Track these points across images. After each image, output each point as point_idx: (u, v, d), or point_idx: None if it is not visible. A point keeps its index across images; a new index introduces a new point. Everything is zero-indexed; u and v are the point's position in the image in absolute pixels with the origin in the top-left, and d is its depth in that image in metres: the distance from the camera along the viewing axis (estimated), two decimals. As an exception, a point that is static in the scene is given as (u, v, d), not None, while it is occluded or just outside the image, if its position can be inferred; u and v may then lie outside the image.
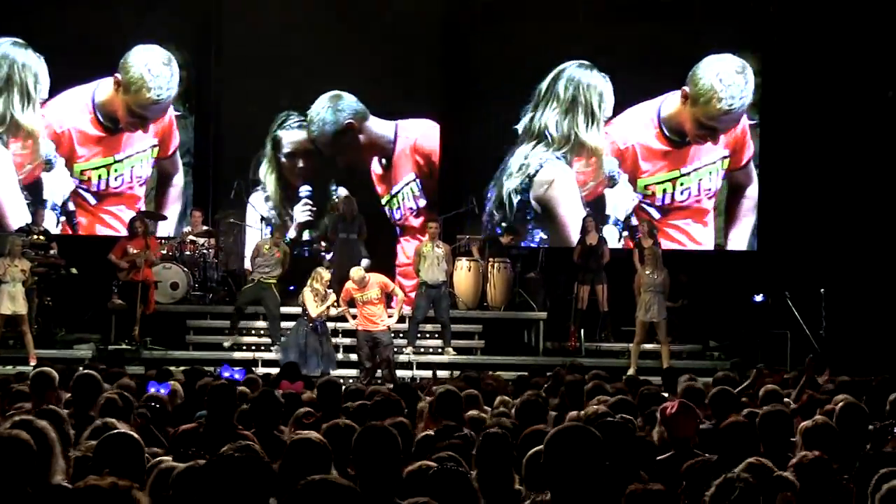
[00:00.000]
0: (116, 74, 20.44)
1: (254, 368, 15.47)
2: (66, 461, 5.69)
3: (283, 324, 18.25)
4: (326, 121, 21.19)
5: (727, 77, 20.76)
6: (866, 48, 20.18)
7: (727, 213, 21.07)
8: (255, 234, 20.01)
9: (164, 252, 18.95)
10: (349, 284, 17.39)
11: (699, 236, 21.03)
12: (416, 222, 21.24)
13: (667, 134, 20.92)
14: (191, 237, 19.35)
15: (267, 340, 18.27)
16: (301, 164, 21.36)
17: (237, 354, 17.85)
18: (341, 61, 20.72)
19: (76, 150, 20.54)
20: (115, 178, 20.61)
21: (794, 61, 20.64)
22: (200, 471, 4.10)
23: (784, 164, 20.72)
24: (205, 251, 19.33)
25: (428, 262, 18.13)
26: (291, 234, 20.89)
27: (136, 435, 5.71)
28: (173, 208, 20.77)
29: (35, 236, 18.26)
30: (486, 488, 5.98)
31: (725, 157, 20.97)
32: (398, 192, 21.41)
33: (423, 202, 21.35)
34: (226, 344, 18.09)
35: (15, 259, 16.92)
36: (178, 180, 20.91)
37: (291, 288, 19.25)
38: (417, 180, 21.35)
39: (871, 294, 19.55)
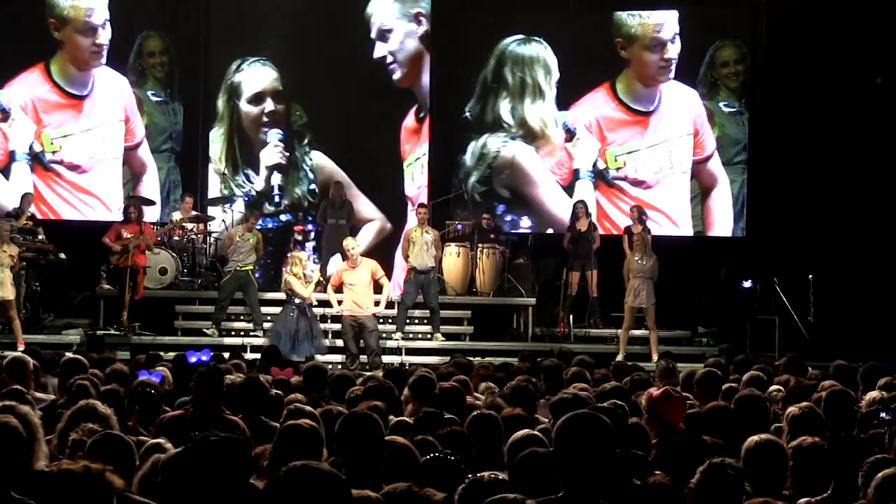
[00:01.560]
0: (51, 20, 20.49)
1: (243, 353, 15.44)
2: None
3: (269, 309, 18.26)
4: (390, 6, 20.95)
5: (641, 9, 20.99)
6: (854, 34, 20.19)
7: (702, 219, 21.10)
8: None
9: (159, 238, 18.86)
10: (340, 266, 17.37)
11: (677, 218, 20.84)
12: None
13: (628, 105, 20.96)
14: (181, 223, 19.30)
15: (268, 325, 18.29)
16: (268, 108, 20.88)
17: (227, 340, 17.85)
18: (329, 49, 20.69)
19: (42, 119, 20.47)
20: (88, 148, 20.53)
21: (782, 46, 20.64)
22: (178, 455, 4.12)
23: (773, 151, 20.73)
24: (194, 236, 19.29)
25: (417, 248, 18.12)
26: (260, 184, 20.71)
27: (126, 437, 5.71)
28: (153, 196, 20.56)
29: (23, 221, 18.23)
30: (479, 469, 6.00)
31: (690, 135, 20.93)
32: (424, 153, 20.95)
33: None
34: (207, 331, 18.07)
35: (3, 244, 16.87)
36: (151, 178, 20.66)
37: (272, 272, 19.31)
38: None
39: (859, 280, 19.60)
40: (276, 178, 20.71)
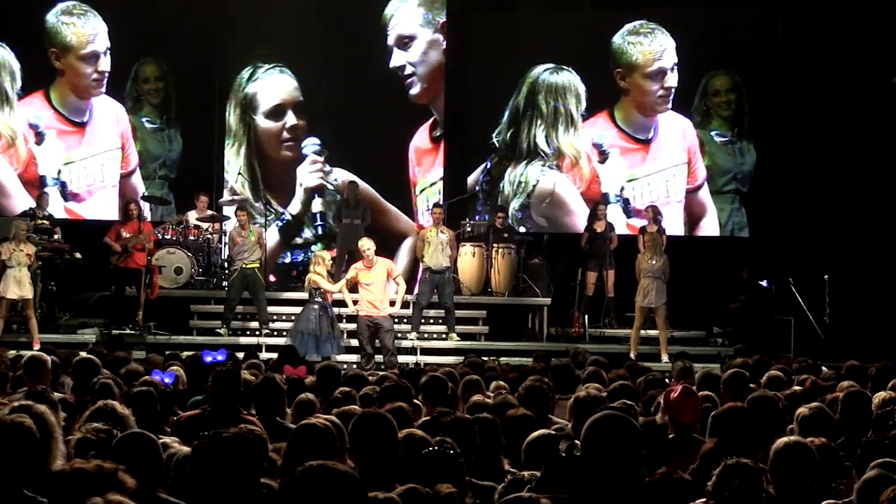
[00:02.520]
0: (52, 49, 20.45)
1: (258, 353, 15.44)
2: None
3: (290, 309, 18.28)
4: (412, 11, 20.47)
5: (636, 36, 20.94)
6: (870, 34, 20.14)
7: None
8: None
9: (159, 236, 18.75)
10: (355, 266, 17.35)
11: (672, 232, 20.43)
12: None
13: (627, 131, 20.95)
14: (195, 222, 19.30)
15: (277, 326, 18.32)
16: (289, 123, 20.49)
17: (242, 339, 17.85)
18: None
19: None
20: (87, 176, 20.50)
21: (797, 44, 20.61)
22: (193, 452, 4.13)
23: (788, 150, 20.69)
24: (209, 236, 19.30)
25: (432, 248, 18.10)
26: (295, 206, 20.59)
27: (151, 434, 5.71)
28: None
29: (39, 220, 18.27)
30: (477, 469, 6.03)
31: (685, 164, 20.91)
32: (435, 182, 20.79)
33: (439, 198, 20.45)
34: (220, 331, 18.09)
35: (20, 243, 16.93)
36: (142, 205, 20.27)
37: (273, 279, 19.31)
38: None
39: (875, 281, 19.54)
40: (317, 205, 20.47)
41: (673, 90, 20.89)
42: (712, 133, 21.10)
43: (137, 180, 20.72)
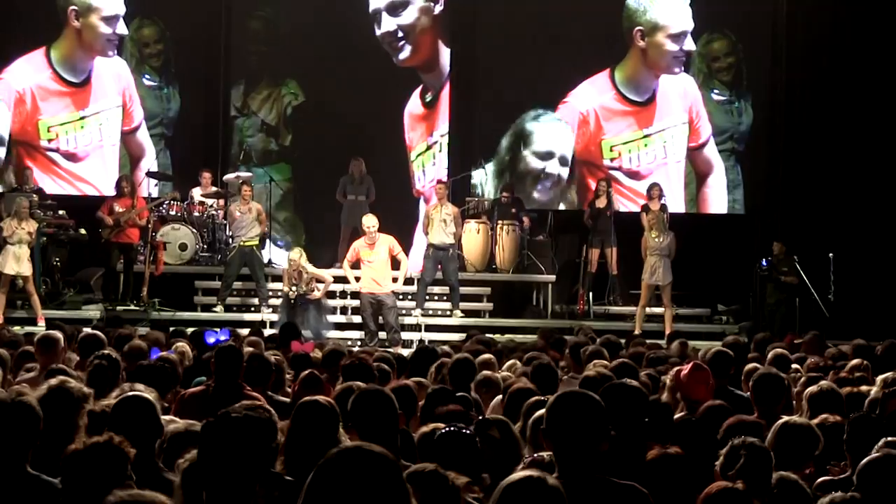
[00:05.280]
0: (71, 8, 20.23)
1: (262, 329, 15.43)
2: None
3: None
4: None
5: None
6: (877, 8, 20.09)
7: (697, 204, 21.06)
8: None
9: (162, 212, 18.57)
10: (357, 243, 17.36)
11: (671, 206, 19.74)
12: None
13: (626, 95, 20.85)
14: (200, 198, 19.23)
15: (275, 302, 18.29)
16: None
17: (247, 316, 17.85)
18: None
19: (39, 108, 20.24)
20: (85, 136, 20.35)
21: (800, 7, 20.54)
22: (201, 431, 4.08)
23: (792, 127, 20.63)
24: (213, 212, 19.24)
25: (435, 224, 18.08)
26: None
27: (150, 397, 5.66)
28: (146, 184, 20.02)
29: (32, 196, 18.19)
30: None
31: (685, 123, 20.85)
32: (435, 142, 20.81)
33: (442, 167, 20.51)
34: (216, 309, 18.06)
35: (22, 221, 16.91)
36: (149, 162, 20.34)
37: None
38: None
39: (879, 259, 19.50)
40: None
41: (689, 54, 20.85)
42: (712, 92, 21.05)
43: (144, 136, 20.52)
